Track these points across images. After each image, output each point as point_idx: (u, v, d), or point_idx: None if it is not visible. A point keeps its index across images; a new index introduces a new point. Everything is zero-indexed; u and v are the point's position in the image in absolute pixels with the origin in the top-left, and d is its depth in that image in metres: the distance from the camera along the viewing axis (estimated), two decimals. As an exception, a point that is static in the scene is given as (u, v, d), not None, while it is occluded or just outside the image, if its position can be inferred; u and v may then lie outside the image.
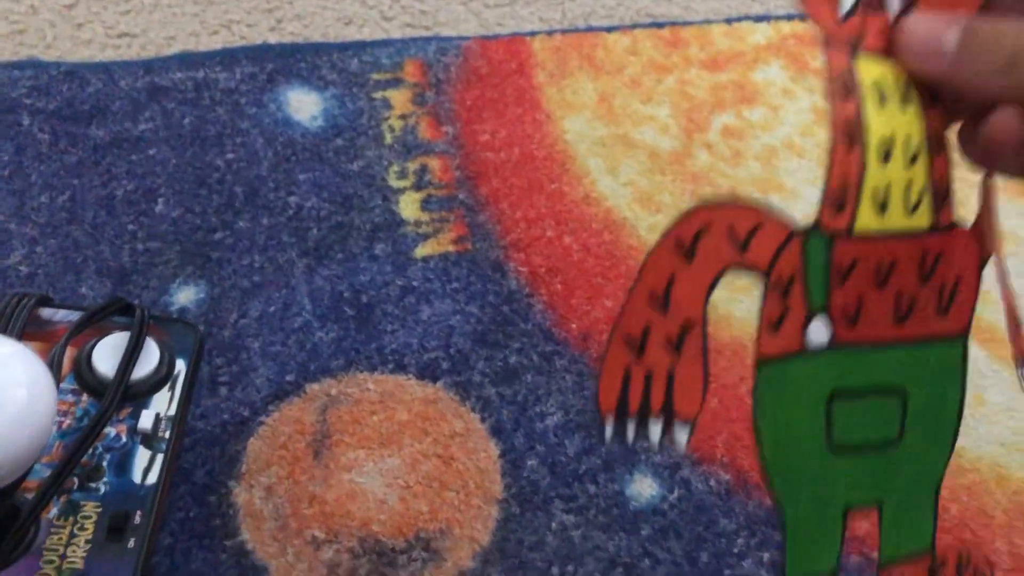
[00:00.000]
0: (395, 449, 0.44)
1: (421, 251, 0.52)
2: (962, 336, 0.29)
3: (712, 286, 0.26)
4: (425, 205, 0.55)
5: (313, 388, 0.45)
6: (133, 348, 0.36)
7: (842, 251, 0.27)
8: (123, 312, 0.39)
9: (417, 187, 0.55)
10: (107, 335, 0.37)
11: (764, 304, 0.27)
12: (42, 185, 0.52)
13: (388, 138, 0.58)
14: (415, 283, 0.50)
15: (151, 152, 0.55)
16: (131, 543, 0.32)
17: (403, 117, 0.59)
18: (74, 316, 0.38)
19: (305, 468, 0.42)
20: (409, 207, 0.54)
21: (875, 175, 0.27)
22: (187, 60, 0.60)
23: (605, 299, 0.50)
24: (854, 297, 0.27)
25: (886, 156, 0.27)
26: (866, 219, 0.27)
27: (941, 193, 0.28)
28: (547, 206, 0.55)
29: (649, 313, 0.26)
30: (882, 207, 0.27)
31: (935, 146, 0.28)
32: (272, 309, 0.48)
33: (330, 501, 0.41)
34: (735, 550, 0.42)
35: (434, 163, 0.57)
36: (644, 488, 0.43)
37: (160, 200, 0.52)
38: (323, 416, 0.44)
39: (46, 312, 0.38)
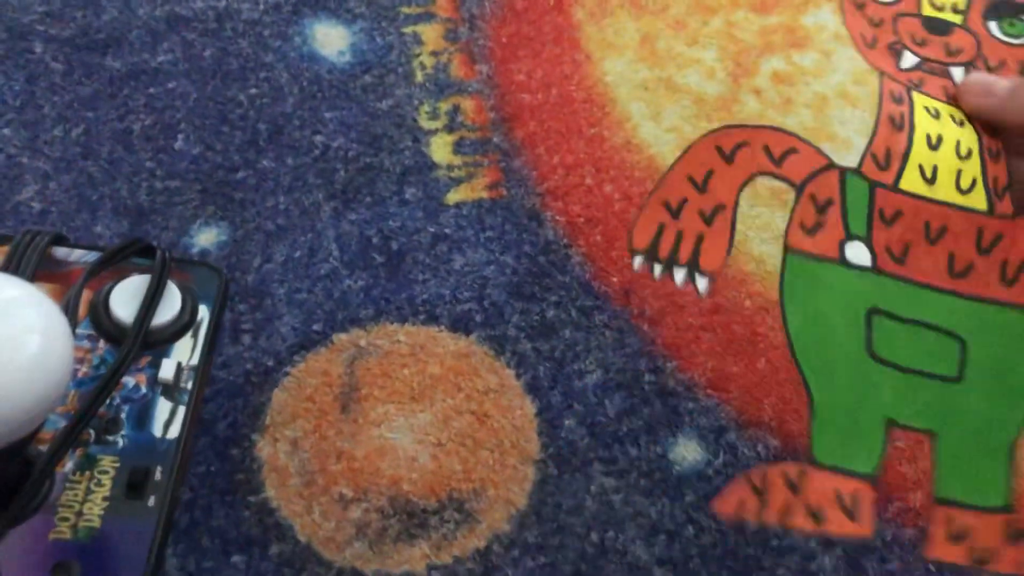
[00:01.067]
0: (427, 404, 0.41)
1: (453, 196, 0.49)
2: None
3: (746, 183, 0.33)
4: (458, 148, 0.52)
5: (341, 338, 0.43)
6: (154, 292, 0.34)
7: (886, 199, 0.32)
8: (142, 253, 0.36)
9: (449, 129, 0.52)
10: (125, 278, 0.35)
11: (796, 208, 0.33)
12: (55, 117, 0.50)
13: (419, 76, 0.55)
14: (447, 230, 0.48)
15: (170, 85, 0.52)
16: (151, 501, 0.30)
17: (435, 54, 0.56)
18: (91, 257, 0.36)
19: (332, 422, 0.40)
20: (441, 150, 0.51)
21: (921, 154, 0.33)
22: (208, -12, 0.57)
23: (648, 252, 0.48)
24: (900, 241, 0.31)
25: (935, 145, 0.32)
26: (912, 182, 0.32)
27: (998, 189, 0.32)
28: (586, 152, 0.52)
29: (687, 189, 0.34)
30: (930, 180, 0.32)
31: (993, 155, 0.33)
32: (298, 254, 0.46)
33: (359, 457, 0.39)
34: (783, 520, 0.40)
35: (467, 104, 0.54)
36: (688, 452, 0.41)
37: (180, 136, 0.50)
38: (351, 368, 0.42)
39: (60, 252, 0.36)
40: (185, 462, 0.32)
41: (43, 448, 0.30)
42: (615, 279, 0.47)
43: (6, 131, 0.48)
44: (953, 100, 0.34)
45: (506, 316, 0.45)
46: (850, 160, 0.32)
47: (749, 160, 0.32)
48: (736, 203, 0.32)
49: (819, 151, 0.31)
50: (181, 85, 0.52)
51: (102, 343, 0.33)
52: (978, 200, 0.31)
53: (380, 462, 0.39)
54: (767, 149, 0.34)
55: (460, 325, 0.44)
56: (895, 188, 0.32)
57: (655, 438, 0.41)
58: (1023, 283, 0.31)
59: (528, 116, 0.54)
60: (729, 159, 0.32)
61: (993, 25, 0.34)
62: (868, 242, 0.31)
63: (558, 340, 0.44)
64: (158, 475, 0.31)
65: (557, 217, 0.49)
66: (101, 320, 0.34)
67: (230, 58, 0.54)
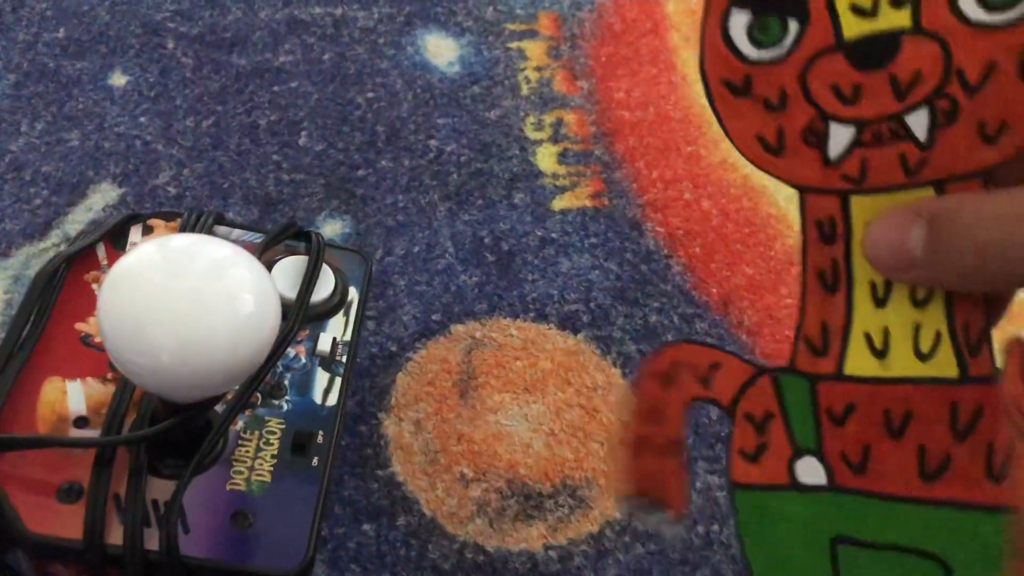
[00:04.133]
0: (539, 396, 0.44)
1: (559, 203, 0.52)
2: None
3: (688, 410, 0.26)
4: (562, 158, 0.54)
5: (458, 329, 0.45)
6: (312, 271, 0.37)
7: (831, 393, 0.24)
8: (295, 236, 0.39)
9: (554, 140, 0.55)
10: (280, 258, 0.38)
11: (733, 435, 0.25)
12: (187, 109, 0.53)
13: (524, 89, 0.57)
14: (553, 235, 0.50)
15: (292, 85, 0.55)
16: (315, 461, 0.33)
17: (539, 69, 0.59)
18: (247, 236, 0.39)
19: (452, 406, 0.42)
20: (546, 159, 0.54)
21: (866, 318, 0.24)
22: (325, -4, 0.60)
23: (745, 266, 0.50)
24: (857, 443, 0.24)
25: (882, 299, 0.24)
26: (859, 362, 0.24)
27: (972, 339, 0.23)
28: (684, 168, 0.55)
29: (643, 426, 0.27)
30: (881, 352, 0.24)
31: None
32: (416, 249, 0.48)
33: (477, 440, 0.42)
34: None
35: (570, 117, 0.57)
36: (787, 455, 0.43)
37: (303, 133, 0.52)
38: (468, 357, 0.44)
39: (221, 230, 0.39)
40: (342, 428, 0.34)
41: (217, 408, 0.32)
42: (714, 290, 0.49)
43: (142, 119, 0.51)
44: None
45: (611, 318, 0.47)
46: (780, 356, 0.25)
47: (684, 385, 0.26)
48: (685, 435, 0.27)
49: (741, 359, 0.25)
50: (302, 85, 0.55)
51: (264, 315, 0.36)
52: (946, 364, 0.23)
53: (497, 446, 0.42)
54: (694, 367, 0.26)
55: (568, 324, 0.46)
56: (840, 376, 0.24)
57: (755, 440, 0.43)
58: (1019, 470, 0.24)
59: (628, 131, 0.56)
60: (668, 384, 0.26)
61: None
62: (819, 454, 0.24)
63: (661, 344, 0.46)
64: (320, 438, 0.33)
65: (657, 228, 0.51)
66: (263, 294, 0.36)
67: (347, 63, 0.57)
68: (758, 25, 0.23)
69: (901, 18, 0.22)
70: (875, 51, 0.22)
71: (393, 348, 0.44)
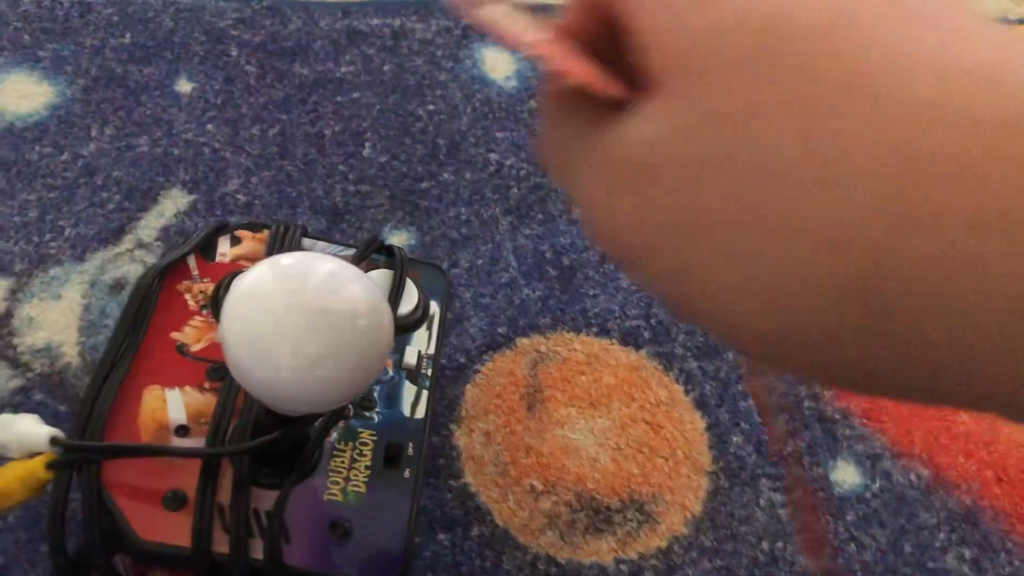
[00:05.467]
0: (604, 410, 0.44)
1: (617, 219, 0.53)
2: None
3: None
4: (620, 174, 0.55)
5: (523, 343, 0.46)
6: (398, 285, 0.37)
7: None
8: (377, 251, 0.40)
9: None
10: (366, 271, 0.38)
11: None
12: (252, 117, 0.53)
13: (581, 104, 0.58)
14: (613, 250, 0.51)
15: (355, 95, 0.56)
16: (406, 473, 0.33)
17: (594, 85, 0.60)
18: (332, 250, 0.39)
19: (520, 419, 0.43)
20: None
21: None
22: (383, 7, 0.61)
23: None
24: None
25: None
26: None
27: None
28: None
29: None
30: None
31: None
32: (480, 262, 0.49)
33: (546, 453, 0.42)
34: (936, 544, 0.42)
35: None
36: (847, 475, 0.44)
37: (367, 144, 0.53)
38: (534, 371, 0.45)
39: (307, 243, 0.39)
40: (429, 440, 0.35)
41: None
42: (772, 308, 0.50)
43: (209, 127, 0.52)
44: None
45: (672, 335, 0.48)
46: None
47: None
48: None
49: None
50: (364, 96, 0.56)
51: (352, 328, 0.37)
52: None
53: (565, 460, 0.42)
54: None
55: (630, 339, 0.47)
56: None
57: (816, 459, 0.44)
58: None
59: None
60: None
61: None
62: None
63: (722, 361, 0.47)
64: (410, 450, 0.34)
65: (716, 246, 0.52)
66: (351, 307, 0.37)
67: (407, 74, 0.57)
68: None
69: None
70: None
71: (461, 360, 0.45)
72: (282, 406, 0.28)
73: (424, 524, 0.39)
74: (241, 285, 0.27)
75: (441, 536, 0.39)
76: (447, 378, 0.44)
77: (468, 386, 0.44)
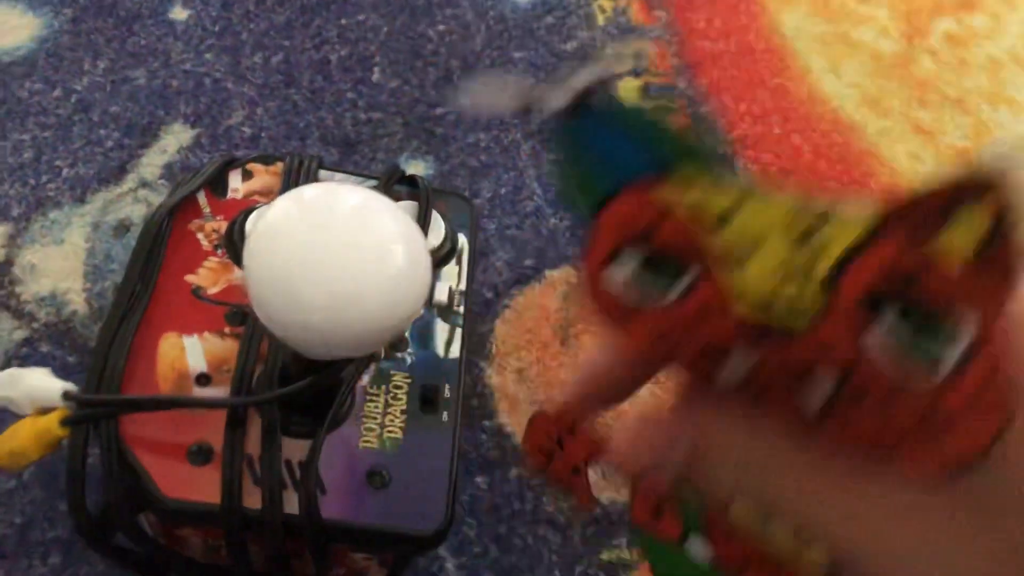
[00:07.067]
0: (641, 343, 0.42)
1: (644, 141, 0.50)
2: None
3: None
4: (645, 92, 0.52)
5: (552, 275, 0.44)
6: (424, 217, 0.35)
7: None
8: (400, 181, 0.37)
9: (635, 73, 0.53)
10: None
11: (632, 492, 0.21)
12: (254, 44, 0.50)
13: (600, 19, 0.55)
14: (641, 174, 0.48)
15: (360, 17, 0.52)
16: (444, 416, 0.31)
17: (613, -2, 0.56)
18: (352, 181, 0.37)
19: (554, 354, 0.41)
20: (629, 93, 0.52)
21: None
22: (386, -78, 0.57)
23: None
24: (740, 557, 0.20)
25: None
26: None
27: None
28: (771, 102, 0.52)
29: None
30: None
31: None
32: (503, 191, 0.46)
33: (583, 390, 0.40)
34: None
35: (650, 49, 0.54)
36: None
37: (376, 69, 0.50)
38: (566, 304, 0.43)
39: (325, 175, 0.37)
40: (465, 380, 0.33)
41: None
42: (812, 230, 0.47)
43: (208, 56, 0.49)
44: None
45: (708, 261, 0.45)
46: None
47: (576, 450, 0.24)
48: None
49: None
50: (371, 18, 0.52)
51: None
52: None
53: (603, 395, 0.40)
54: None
55: (664, 267, 0.45)
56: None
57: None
58: None
59: (710, 64, 0.54)
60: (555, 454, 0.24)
61: None
62: (706, 536, 0.21)
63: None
64: (447, 392, 0.32)
65: (750, 165, 0.49)
66: (375, 242, 0.34)
67: (414, -7, 0.54)
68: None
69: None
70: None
71: (489, 295, 0.43)
72: (314, 351, 0.26)
73: (460, 467, 0.37)
74: (263, 222, 0.25)
75: (479, 479, 0.37)
76: (475, 315, 0.42)
77: (497, 322, 0.42)
